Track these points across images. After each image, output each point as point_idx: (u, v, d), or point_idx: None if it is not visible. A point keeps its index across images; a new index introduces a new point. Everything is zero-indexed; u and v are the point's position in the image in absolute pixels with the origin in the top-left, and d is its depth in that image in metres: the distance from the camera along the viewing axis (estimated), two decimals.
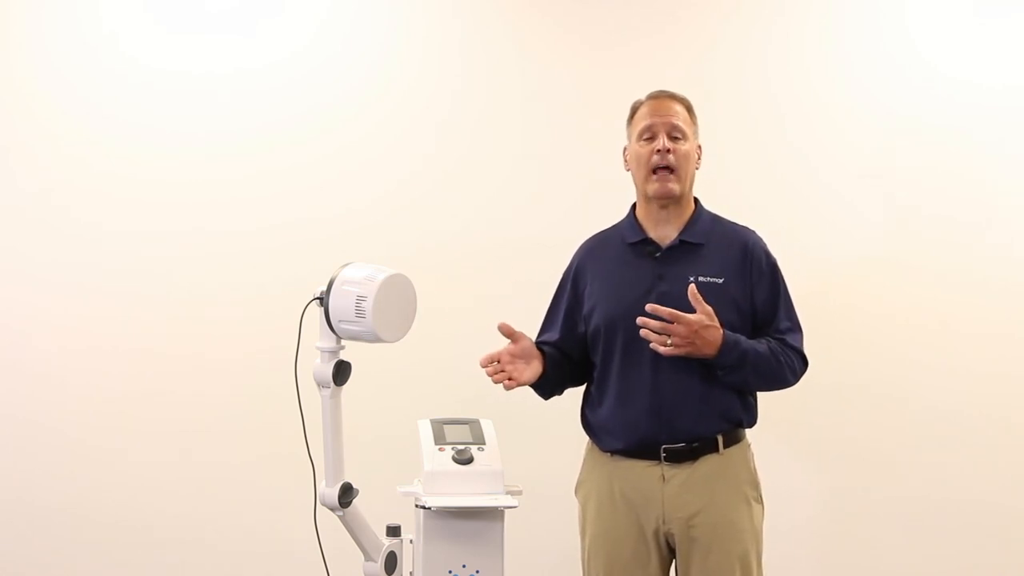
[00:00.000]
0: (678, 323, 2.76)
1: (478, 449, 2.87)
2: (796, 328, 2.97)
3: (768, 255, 2.99)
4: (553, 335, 3.05)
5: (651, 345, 2.79)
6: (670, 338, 2.77)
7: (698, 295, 2.79)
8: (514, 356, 2.89)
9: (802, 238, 3.91)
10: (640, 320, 2.79)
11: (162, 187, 3.97)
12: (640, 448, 2.90)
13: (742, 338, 2.85)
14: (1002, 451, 3.98)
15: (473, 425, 2.95)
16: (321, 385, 2.73)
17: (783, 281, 2.99)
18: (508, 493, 2.81)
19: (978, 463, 3.98)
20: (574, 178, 4.01)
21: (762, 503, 2.97)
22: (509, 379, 2.87)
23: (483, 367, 2.87)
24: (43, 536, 3.95)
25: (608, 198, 3.89)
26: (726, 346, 2.80)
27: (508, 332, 2.90)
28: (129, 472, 3.95)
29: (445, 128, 4.04)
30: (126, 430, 3.96)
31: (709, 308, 2.79)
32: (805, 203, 4.00)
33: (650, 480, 2.89)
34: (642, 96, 3.02)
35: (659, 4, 4.08)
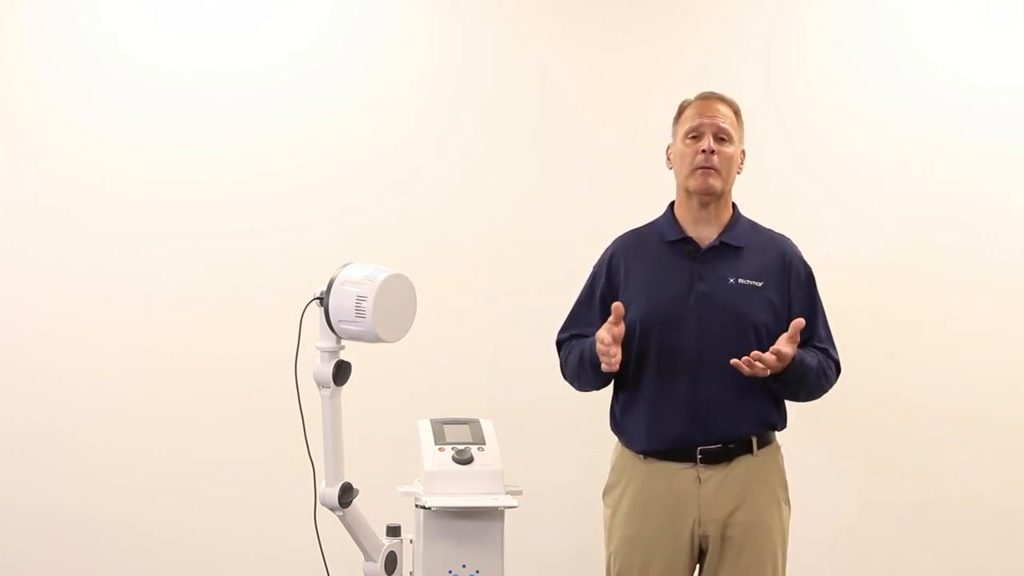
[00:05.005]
0: (777, 359, 2.74)
1: (478, 449, 2.87)
2: (831, 338, 2.98)
3: (805, 264, 3.00)
4: (596, 328, 2.91)
5: (732, 361, 2.74)
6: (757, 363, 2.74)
7: (798, 335, 2.77)
8: (616, 340, 2.80)
9: (803, 240, 3.88)
10: (745, 360, 2.73)
11: (162, 187, 3.96)
12: (676, 450, 2.89)
13: (806, 355, 2.85)
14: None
15: (473, 425, 2.95)
16: (321, 385, 2.73)
17: (818, 291, 2.99)
18: (508, 493, 2.82)
19: (1001, 465, 3.97)
20: (574, 178, 4.01)
21: (790, 504, 2.97)
22: (612, 360, 2.78)
23: (606, 345, 2.76)
24: (43, 536, 3.94)
25: (608, 197, 3.93)
26: (793, 365, 2.79)
27: (620, 314, 2.79)
28: (128, 472, 3.94)
29: (445, 128, 4.03)
30: (126, 430, 3.95)
31: (798, 339, 2.78)
32: (806, 204, 3.99)
33: (686, 482, 2.88)
34: (690, 96, 3.01)
35: (659, 4, 4.08)
